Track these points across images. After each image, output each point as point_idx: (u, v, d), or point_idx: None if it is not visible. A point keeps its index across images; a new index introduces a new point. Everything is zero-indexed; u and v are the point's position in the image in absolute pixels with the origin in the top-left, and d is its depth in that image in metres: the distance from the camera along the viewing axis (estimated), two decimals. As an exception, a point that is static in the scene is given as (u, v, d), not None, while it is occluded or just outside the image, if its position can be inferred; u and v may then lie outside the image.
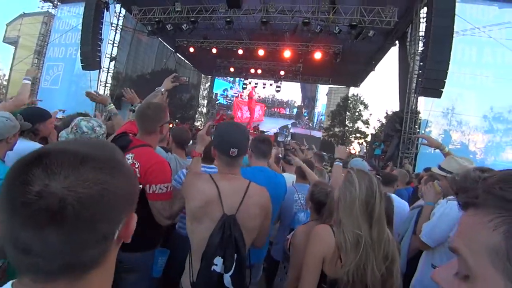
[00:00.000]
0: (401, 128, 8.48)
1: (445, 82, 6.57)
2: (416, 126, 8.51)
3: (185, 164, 2.19)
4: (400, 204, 2.39)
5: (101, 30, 9.90)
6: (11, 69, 15.97)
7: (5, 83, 19.67)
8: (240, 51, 11.90)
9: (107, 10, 10.08)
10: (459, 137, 9.03)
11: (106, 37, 10.91)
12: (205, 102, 21.24)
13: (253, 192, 1.35)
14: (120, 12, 11.40)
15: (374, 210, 1.15)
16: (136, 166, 1.47)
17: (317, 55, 10.93)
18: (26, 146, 1.68)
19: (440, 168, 1.89)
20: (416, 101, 8.49)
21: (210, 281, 1.23)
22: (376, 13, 7.94)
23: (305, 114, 23.09)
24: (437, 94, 6.86)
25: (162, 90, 2.18)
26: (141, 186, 1.40)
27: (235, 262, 1.23)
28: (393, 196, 2.39)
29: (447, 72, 6.49)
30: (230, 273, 1.23)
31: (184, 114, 17.78)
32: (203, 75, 19.78)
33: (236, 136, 1.38)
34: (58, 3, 13.19)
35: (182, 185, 1.48)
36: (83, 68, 9.97)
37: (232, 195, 1.31)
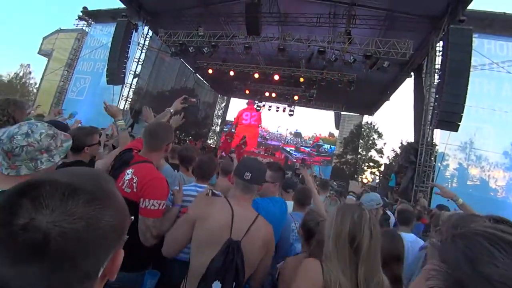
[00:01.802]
0: (416, 160, 8.22)
1: (462, 115, 6.44)
2: (432, 159, 8.23)
3: (190, 182, 2.21)
4: (415, 245, 2.21)
5: (128, 49, 10.57)
6: (41, 79, 17.12)
7: (35, 90, 21.02)
8: (256, 75, 12.28)
9: (135, 31, 10.82)
10: (479, 173, 8.67)
11: (132, 55, 11.58)
12: (219, 121, 21.70)
13: (260, 225, 1.34)
14: (147, 34, 12.18)
15: (361, 247, 1.02)
16: (134, 180, 1.49)
17: (331, 82, 11.09)
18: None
19: None
20: (432, 133, 8.28)
21: None
22: (392, 45, 8.07)
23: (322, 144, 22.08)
24: (454, 127, 6.71)
25: (172, 110, 2.27)
26: (132, 218, 1.35)
27: None
28: (409, 235, 2.28)
29: (464, 106, 6.39)
30: None
31: (198, 132, 18.17)
32: (219, 95, 20.40)
33: (252, 163, 1.48)
34: (92, 22, 14.35)
35: (194, 205, 1.43)
36: (108, 82, 10.57)
37: (241, 222, 1.30)
